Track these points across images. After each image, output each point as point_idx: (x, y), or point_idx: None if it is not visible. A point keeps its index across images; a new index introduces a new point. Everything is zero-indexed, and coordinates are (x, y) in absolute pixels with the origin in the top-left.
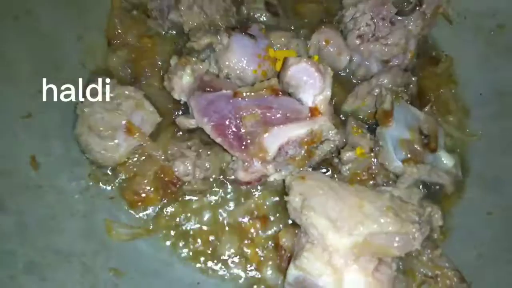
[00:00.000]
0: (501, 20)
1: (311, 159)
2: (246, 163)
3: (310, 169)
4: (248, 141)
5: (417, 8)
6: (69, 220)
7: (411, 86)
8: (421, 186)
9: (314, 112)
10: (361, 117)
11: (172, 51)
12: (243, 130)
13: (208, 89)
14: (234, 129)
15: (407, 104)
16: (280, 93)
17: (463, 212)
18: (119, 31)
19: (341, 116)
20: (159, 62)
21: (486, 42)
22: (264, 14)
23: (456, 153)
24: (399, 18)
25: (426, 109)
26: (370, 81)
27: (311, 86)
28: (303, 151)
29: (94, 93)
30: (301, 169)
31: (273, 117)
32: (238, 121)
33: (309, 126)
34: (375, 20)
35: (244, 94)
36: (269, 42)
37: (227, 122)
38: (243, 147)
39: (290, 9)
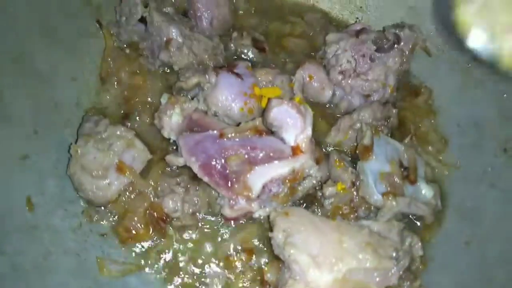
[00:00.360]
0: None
1: (294, 196)
2: (232, 201)
3: (295, 204)
4: (234, 180)
5: (395, 45)
6: (62, 258)
7: (392, 118)
8: (401, 216)
9: (296, 150)
10: (345, 150)
11: (163, 87)
12: (228, 170)
13: (196, 128)
14: (220, 169)
15: (387, 137)
16: (264, 133)
17: (442, 242)
18: (112, 69)
19: (324, 149)
20: (150, 99)
21: (463, 74)
22: (251, 50)
23: (436, 183)
24: (378, 55)
25: (406, 141)
26: (352, 115)
27: (292, 126)
28: (286, 189)
29: (87, 132)
30: (284, 205)
31: (257, 157)
32: (223, 161)
33: (291, 164)
34: (356, 57)
35: (230, 135)
36: (255, 79)
37: (213, 162)
38: (228, 186)
39: (276, 44)
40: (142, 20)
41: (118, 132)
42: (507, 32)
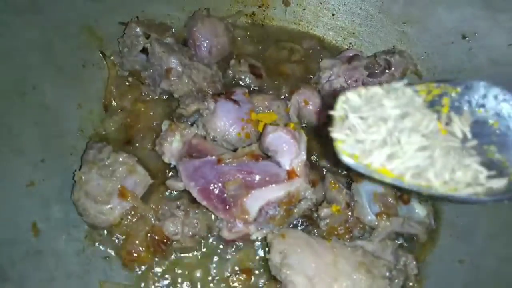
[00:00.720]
0: (465, 77)
1: (290, 218)
2: (230, 224)
3: (292, 225)
4: (231, 204)
5: (386, 71)
6: (65, 282)
7: None
8: (395, 236)
9: (291, 174)
10: (339, 171)
11: (164, 114)
12: (226, 194)
13: (195, 154)
14: (218, 193)
15: None
16: (260, 158)
17: (437, 260)
18: (115, 97)
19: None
20: (151, 125)
21: None
22: (248, 76)
23: (429, 202)
24: (370, 79)
25: None
26: None
27: (287, 151)
28: (282, 211)
29: (91, 159)
30: (281, 227)
31: (253, 181)
32: (221, 186)
33: (287, 188)
34: (349, 82)
35: (227, 160)
36: (252, 105)
37: (211, 187)
38: (226, 209)
39: (273, 69)
40: (144, 50)
41: (121, 159)
42: (373, 150)
